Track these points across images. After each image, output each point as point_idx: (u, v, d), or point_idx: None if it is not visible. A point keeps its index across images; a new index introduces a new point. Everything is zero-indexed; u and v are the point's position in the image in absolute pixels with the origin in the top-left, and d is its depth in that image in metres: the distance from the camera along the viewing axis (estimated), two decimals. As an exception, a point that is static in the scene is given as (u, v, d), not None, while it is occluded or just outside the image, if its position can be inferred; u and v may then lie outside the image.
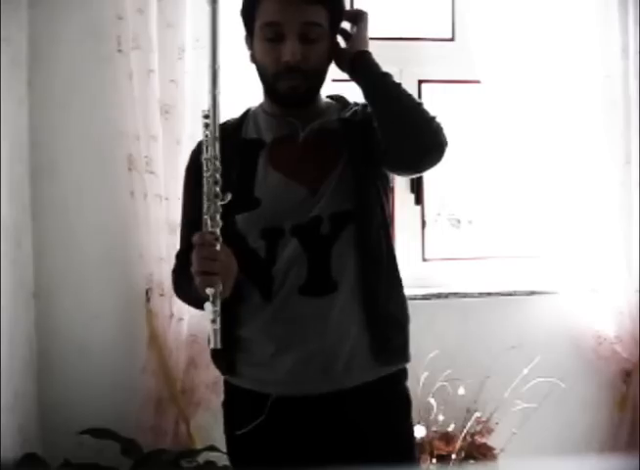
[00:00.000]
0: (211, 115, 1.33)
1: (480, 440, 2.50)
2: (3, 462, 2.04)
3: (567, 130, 2.56)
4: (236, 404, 1.53)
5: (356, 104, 1.56)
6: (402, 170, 1.56)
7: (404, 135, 1.42)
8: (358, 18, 1.52)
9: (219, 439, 2.39)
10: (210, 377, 2.41)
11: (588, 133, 2.58)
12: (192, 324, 2.40)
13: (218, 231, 1.32)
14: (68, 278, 2.42)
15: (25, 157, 2.36)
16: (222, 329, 1.35)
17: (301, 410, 1.44)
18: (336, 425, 1.44)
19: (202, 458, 2.35)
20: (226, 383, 1.55)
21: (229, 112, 1.58)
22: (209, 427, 2.45)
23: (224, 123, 1.50)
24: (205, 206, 1.33)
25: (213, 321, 1.32)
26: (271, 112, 1.52)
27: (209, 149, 1.33)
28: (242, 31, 2.36)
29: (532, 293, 2.67)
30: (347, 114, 1.52)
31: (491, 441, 2.52)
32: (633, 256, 2.61)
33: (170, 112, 2.32)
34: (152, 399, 2.39)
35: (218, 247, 1.32)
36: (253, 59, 1.51)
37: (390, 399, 1.49)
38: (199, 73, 2.33)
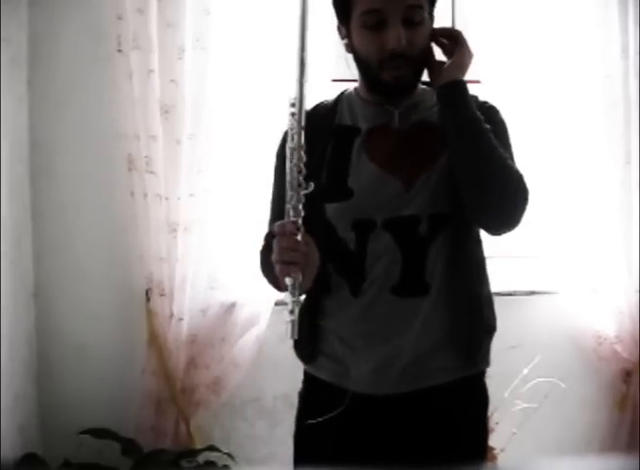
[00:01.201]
0: (297, 103, 1.28)
1: (480, 440, 2.50)
2: (3, 462, 2.04)
3: (567, 130, 2.56)
4: (313, 395, 1.51)
5: (472, 96, 1.48)
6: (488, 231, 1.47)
7: (489, 202, 1.37)
8: (459, 39, 1.43)
9: (219, 439, 2.43)
10: (210, 377, 2.41)
11: (588, 133, 2.58)
12: (192, 324, 2.40)
13: (300, 221, 1.29)
14: (68, 278, 2.42)
15: (25, 157, 2.36)
16: (308, 318, 1.38)
17: (378, 409, 1.43)
18: (411, 425, 1.42)
19: (202, 458, 2.36)
20: (305, 372, 1.53)
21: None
22: (209, 427, 2.46)
23: (316, 107, 1.49)
24: (289, 195, 1.29)
25: (291, 312, 1.30)
26: (368, 99, 1.46)
27: (295, 138, 1.29)
28: (241, 30, 2.36)
29: (532, 293, 2.68)
30: None
31: (491, 441, 2.51)
32: (633, 256, 2.61)
33: (170, 112, 2.32)
34: (152, 399, 2.39)
35: (300, 237, 1.28)
36: (350, 48, 1.42)
37: (470, 399, 1.47)
38: (199, 73, 2.34)
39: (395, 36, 1.34)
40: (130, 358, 2.41)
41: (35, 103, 2.36)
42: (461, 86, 1.40)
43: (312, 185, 1.29)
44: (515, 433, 2.48)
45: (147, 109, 2.31)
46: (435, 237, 1.40)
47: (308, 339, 1.43)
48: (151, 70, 2.30)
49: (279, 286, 1.39)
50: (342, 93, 1.51)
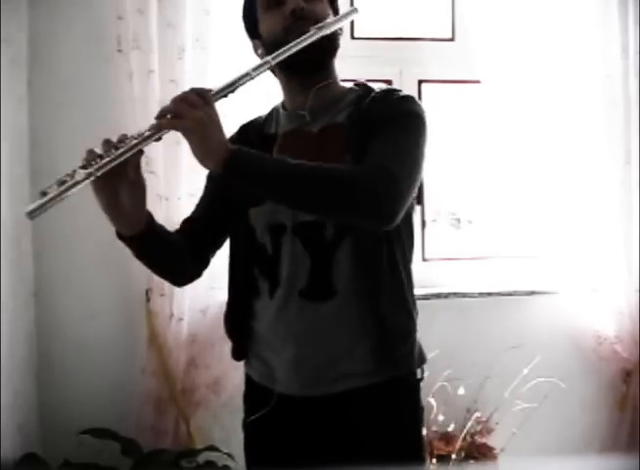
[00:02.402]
0: None
1: (480, 440, 2.50)
2: (3, 462, 2.04)
3: (567, 130, 2.56)
4: (249, 395, 1.55)
5: (383, 91, 1.45)
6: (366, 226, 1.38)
7: (326, 214, 1.34)
8: (177, 130, 1.26)
9: (219, 439, 2.42)
10: (210, 377, 2.41)
11: (588, 133, 2.58)
12: (192, 324, 2.40)
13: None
14: (68, 278, 2.42)
15: (25, 157, 2.36)
16: (238, 318, 1.46)
17: (302, 410, 1.44)
18: (333, 427, 1.42)
19: (202, 458, 2.36)
20: (246, 373, 1.56)
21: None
22: (209, 427, 2.46)
23: (252, 121, 1.55)
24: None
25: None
26: (286, 104, 1.50)
27: None
28: (241, 30, 2.36)
29: (532, 293, 2.67)
30: (364, 105, 1.41)
31: (491, 441, 2.52)
32: (633, 256, 2.61)
33: (170, 112, 2.32)
34: (152, 399, 2.39)
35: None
36: (263, 48, 1.47)
37: (390, 405, 1.43)
38: (199, 73, 2.34)
39: (294, 2, 1.39)
40: (130, 358, 2.41)
41: (35, 103, 2.36)
42: (233, 168, 1.25)
43: None
44: (515, 433, 2.48)
45: (147, 109, 2.30)
46: (341, 241, 1.39)
47: (238, 339, 1.49)
48: (151, 71, 2.30)
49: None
50: (274, 107, 1.55)
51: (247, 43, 2.36)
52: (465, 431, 2.47)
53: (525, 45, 2.50)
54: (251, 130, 1.52)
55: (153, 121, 2.37)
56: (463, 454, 2.47)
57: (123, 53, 2.31)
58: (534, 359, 2.51)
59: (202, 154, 1.25)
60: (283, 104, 1.53)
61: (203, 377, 2.41)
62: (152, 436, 2.38)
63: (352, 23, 2.62)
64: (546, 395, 2.51)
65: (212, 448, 2.35)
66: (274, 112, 1.54)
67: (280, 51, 1.35)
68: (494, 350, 2.54)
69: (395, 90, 1.45)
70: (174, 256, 1.51)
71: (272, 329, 1.45)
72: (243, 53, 2.35)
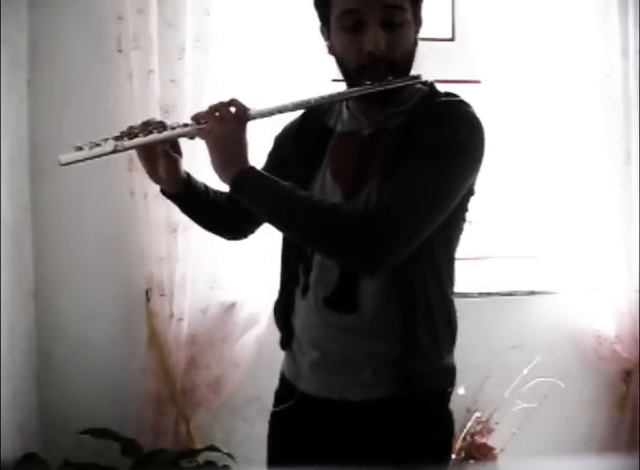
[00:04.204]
0: None
1: (479, 440, 2.50)
2: (3, 462, 2.04)
3: (567, 130, 2.56)
4: (279, 389, 1.55)
5: (441, 104, 1.35)
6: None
7: (315, 248, 1.35)
8: (203, 137, 1.35)
9: (219, 439, 2.42)
10: (210, 377, 2.41)
11: (588, 133, 2.58)
12: (192, 324, 2.40)
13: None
14: (68, 278, 2.42)
15: (25, 157, 2.36)
16: (281, 309, 1.48)
17: (321, 410, 1.43)
18: (349, 431, 1.41)
19: (202, 458, 2.36)
20: (281, 370, 1.56)
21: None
22: (209, 427, 2.46)
23: (318, 107, 1.47)
24: None
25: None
26: (348, 103, 1.43)
27: None
28: (241, 30, 2.36)
29: (532, 293, 2.68)
30: (416, 116, 1.34)
31: (491, 441, 2.52)
32: (633, 256, 2.61)
33: (170, 112, 2.32)
34: (152, 399, 2.39)
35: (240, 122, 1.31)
36: (332, 50, 1.38)
37: (410, 418, 1.39)
38: (199, 73, 2.34)
39: (373, 38, 1.28)
40: (130, 358, 2.41)
41: (35, 103, 2.36)
42: (238, 187, 1.30)
43: None
44: (515, 433, 2.48)
45: (147, 109, 2.30)
46: None
47: (284, 329, 1.49)
48: (151, 70, 2.30)
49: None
50: None
51: (247, 43, 2.38)
52: (465, 431, 2.47)
53: (526, 45, 2.50)
54: (313, 118, 1.47)
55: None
56: (463, 454, 2.47)
57: (123, 53, 2.31)
58: (534, 359, 2.51)
59: (215, 167, 1.33)
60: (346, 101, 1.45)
61: (203, 377, 2.41)
62: (152, 436, 2.38)
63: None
64: (546, 395, 2.51)
65: (212, 448, 2.36)
66: (338, 102, 1.46)
67: (335, 95, 1.35)
68: (494, 350, 2.54)
69: (455, 106, 1.34)
70: (215, 216, 1.57)
71: (301, 329, 1.45)
72: (243, 53, 2.37)
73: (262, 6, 2.36)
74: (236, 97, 1.36)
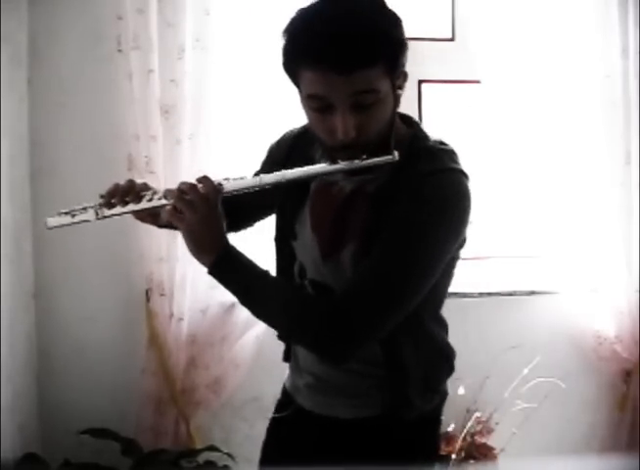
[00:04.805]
0: None
1: (479, 440, 2.50)
2: (3, 462, 2.04)
3: (567, 130, 2.56)
4: (280, 399, 1.58)
5: (423, 175, 1.26)
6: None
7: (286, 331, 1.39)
8: (175, 222, 1.31)
9: (219, 439, 2.42)
10: (210, 377, 2.41)
11: (588, 133, 2.58)
12: (192, 324, 2.40)
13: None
14: (68, 278, 2.42)
15: (25, 157, 2.36)
16: None
17: (316, 424, 1.46)
18: (341, 448, 1.42)
19: (202, 458, 2.36)
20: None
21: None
22: (209, 427, 2.46)
23: (306, 132, 1.39)
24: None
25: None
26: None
27: None
28: (241, 30, 2.35)
29: (532, 293, 2.68)
30: (396, 184, 1.27)
31: (491, 441, 2.52)
32: (633, 256, 2.61)
33: (170, 112, 2.32)
34: (152, 399, 2.39)
35: (213, 203, 1.26)
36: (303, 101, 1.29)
37: (399, 439, 1.40)
38: (199, 73, 2.33)
39: (342, 126, 1.20)
40: (130, 358, 2.41)
41: (35, 102, 2.36)
42: (214, 273, 1.29)
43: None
44: (515, 433, 2.48)
45: (147, 109, 2.31)
46: None
47: (285, 342, 1.52)
48: (151, 70, 2.30)
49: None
50: None
51: (247, 43, 2.37)
52: (465, 431, 2.47)
53: (526, 45, 2.50)
54: (304, 145, 1.39)
55: (152, 121, 2.39)
56: (463, 454, 2.47)
57: (123, 53, 2.31)
58: (534, 359, 2.51)
59: (193, 253, 1.29)
60: None
61: (203, 377, 2.41)
62: (152, 436, 2.38)
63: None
64: (546, 395, 2.51)
65: (212, 448, 2.36)
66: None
67: (307, 174, 1.29)
68: (494, 350, 2.54)
69: (432, 180, 1.26)
70: None
71: (299, 348, 1.48)
72: (243, 53, 2.37)
73: (262, 6, 2.36)
74: (206, 174, 1.30)
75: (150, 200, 1.36)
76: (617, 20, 2.55)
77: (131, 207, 1.41)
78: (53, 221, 1.48)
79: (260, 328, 2.42)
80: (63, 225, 1.47)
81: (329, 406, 1.44)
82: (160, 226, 1.51)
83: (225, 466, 2.34)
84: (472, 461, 2.46)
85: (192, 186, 1.27)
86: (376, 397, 1.40)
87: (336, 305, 1.25)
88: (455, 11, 2.72)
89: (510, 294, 2.67)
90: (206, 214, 1.26)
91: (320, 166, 1.28)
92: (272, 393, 1.59)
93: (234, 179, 1.29)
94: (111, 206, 1.42)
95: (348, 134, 1.20)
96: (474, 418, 2.49)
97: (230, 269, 1.29)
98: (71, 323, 2.42)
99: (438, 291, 1.38)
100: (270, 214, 1.53)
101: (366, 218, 1.29)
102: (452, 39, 2.72)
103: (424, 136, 1.33)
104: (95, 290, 2.43)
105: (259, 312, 1.33)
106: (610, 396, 2.69)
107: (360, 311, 1.23)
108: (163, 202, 1.33)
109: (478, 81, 2.57)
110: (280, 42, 1.24)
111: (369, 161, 1.23)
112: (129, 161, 2.33)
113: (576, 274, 2.62)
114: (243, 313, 2.44)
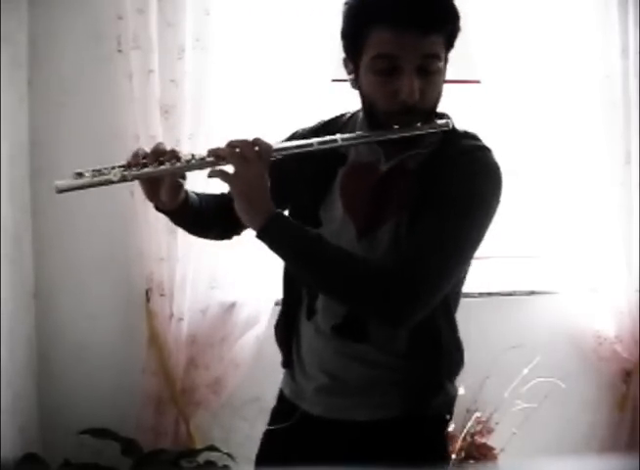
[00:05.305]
0: None
1: (479, 440, 2.50)
2: (3, 462, 2.04)
3: (567, 130, 2.56)
4: (277, 407, 1.54)
5: (462, 154, 1.31)
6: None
7: (346, 303, 1.32)
8: (225, 181, 1.28)
9: (219, 439, 2.42)
10: (210, 377, 2.41)
11: (588, 133, 2.58)
12: (192, 324, 2.40)
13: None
14: (68, 278, 2.42)
15: (25, 156, 2.36)
16: (285, 328, 1.45)
17: (324, 431, 1.42)
18: (352, 452, 1.39)
19: (202, 458, 2.36)
20: (280, 388, 1.55)
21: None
22: (209, 427, 2.46)
23: (336, 120, 1.43)
24: None
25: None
26: (364, 129, 1.35)
27: None
28: (241, 30, 2.36)
29: (532, 293, 2.68)
30: (439, 161, 1.30)
31: (491, 441, 2.52)
32: (633, 256, 2.61)
33: (170, 112, 2.32)
34: (152, 399, 2.39)
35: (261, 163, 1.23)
36: (355, 85, 1.32)
37: (413, 440, 1.40)
38: (199, 73, 2.34)
39: (408, 87, 1.23)
40: (130, 358, 2.41)
41: (35, 103, 2.36)
42: (266, 235, 1.26)
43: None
44: (515, 433, 2.48)
45: (147, 109, 2.31)
46: None
47: (285, 349, 1.47)
48: (151, 70, 2.30)
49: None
50: (355, 113, 1.42)
51: (247, 43, 2.37)
52: (465, 431, 2.47)
53: (526, 45, 2.50)
54: (321, 136, 1.36)
55: (152, 121, 2.39)
56: (463, 454, 2.47)
57: (123, 53, 2.31)
58: (534, 359, 2.51)
59: (244, 212, 1.26)
60: (360, 122, 1.39)
61: (203, 377, 2.41)
62: (152, 436, 2.38)
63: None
64: (546, 395, 2.51)
65: (212, 448, 2.36)
66: (352, 123, 1.41)
67: (362, 136, 1.29)
68: (494, 350, 2.54)
69: (476, 156, 1.32)
70: (204, 224, 1.52)
71: (307, 352, 1.44)
72: (243, 53, 2.37)
73: (262, 6, 2.36)
74: (259, 136, 1.28)
75: (188, 161, 1.29)
76: (617, 20, 2.55)
77: (165, 168, 1.29)
78: (63, 184, 1.32)
79: (260, 328, 2.42)
80: (74, 188, 1.32)
81: (344, 409, 1.40)
82: (159, 209, 1.44)
83: (225, 466, 2.34)
84: (472, 461, 2.46)
85: (246, 142, 1.25)
86: (394, 395, 1.37)
87: (395, 267, 1.24)
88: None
89: (510, 294, 2.67)
90: (260, 173, 1.24)
91: (379, 132, 1.29)
92: (272, 393, 1.58)
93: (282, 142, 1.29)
94: (142, 166, 1.30)
95: (413, 96, 1.23)
96: (474, 418, 2.49)
97: (284, 230, 1.26)
98: (71, 323, 2.42)
99: (463, 277, 1.43)
100: None
101: (409, 194, 1.29)
102: (452, 39, 2.72)
103: (459, 130, 1.39)
104: (95, 290, 2.43)
105: (314, 276, 1.28)
106: (610, 396, 2.69)
107: (423, 274, 1.23)
108: (205, 165, 1.27)
109: (478, 81, 2.57)
110: (342, 7, 1.28)
111: (426, 126, 1.28)
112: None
113: (576, 274, 2.62)
114: (243, 313, 2.44)
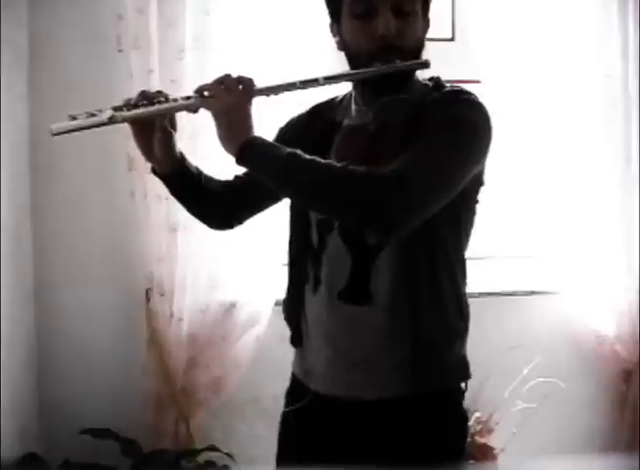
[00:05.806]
0: None
1: (479, 440, 2.50)
2: (3, 462, 2.04)
3: (566, 130, 2.56)
4: (290, 389, 1.52)
5: (446, 92, 1.39)
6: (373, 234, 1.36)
7: (333, 213, 1.32)
8: (208, 108, 1.37)
9: (219, 439, 2.42)
10: (210, 377, 2.41)
11: (588, 133, 2.58)
12: (192, 324, 2.40)
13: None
14: (68, 278, 2.42)
15: (25, 156, 2.36)
16: (292, 305, 1.46)
17: (333, 410, 1.41)
18: (362, 432, 1.39)
19: (202, 458, 2.36)
20: (292, 371, 1.54)
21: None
22: (209, 427, 2.46)
23: (328, 102, 1.50)
24: None
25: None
26: (356, 95, 1.42)
27: None
28: (241, 30, 2.36)
29: (532, 293, 2.68)
30: (423, 106, 1.35)
31: (491, 441, 2.51)
32: (633, 256, 2.61)
33: (170, 112, 2.32)
34: (152, 398, 2.39)
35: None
36: (341, 45, 1.39)
37: (422, 418, 1.38)
38: (199, 73, 2.33)
39: (384, 23, 1.31)
40: (130, 358, 2.41)
41: (36, 103, 2.36)
42: (246, 155, 1.28)
43: None
44: (515, 433, 2.48)
45: (147, 109, 2.30)
46: (384, 248, 1.35)
47: (294, 326, 1.47)
48: (151, 70, 2.30)
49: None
50: (346, 94, 1.48)
51: (247, 43, 2.37)
52: (465, 431, 2.47)
53: (525, 45, 2.50)
54: (320, 113, 1.48)
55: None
56: (463, 454, 2.46)
57: (123, 53, 2.31)
58: (534, 359, 2.51)
59: (223, 137, 1.31)
60: (352, 91, 1.46)
61: (203, 377, 2.41)
62: (152, 436, 2.38)
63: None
64: (546, 395, 2.51)
65: (212, 448, 2.36)
66: (348, 97, 1.47)
67: (343, 75, 1.37)
68: (494, 350, 2.54)
69: (461, 92, 1.39)
70: (205, 199, 1.54)
71: (313, 324, 1.43)
72: (243, 53, 2.37)
73: (262, 6, 2.36)
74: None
75: (175, 100, 1.39)
76: (617, 20, 2.55)
77: (155, 108, 1.37)
78: (58, 127, 1.36)
79: (260, 328, 2.42)
80: (69, 131, 1.36)
81: (352, 386, 1.38)
82: (156, 173, 1.49)
83: (225, 466, 2.34)
84: (472, 461, 2.46)
85: (230, 77, 1.34)
86: (402, 371, 1.36)
87: (383, 173, 1.24)
88: (455, 11, 2.72)
89: (510, 294, 2.67)
90: (242, 101, 1.32)
91: (356, 71, 1.36)
92: (272, 393, 1.58)
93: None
94: (131, 107, 1.36)
95: (390, 30, 1.31)
96: (474, 418, 2.48)
97: (263, 148, 1.29)
98: (71, 323, 2.42)
99: (462, 227, 1.44)
100: (275, 203, 1.54)
101: (401, 144, 1.31)
102: (452, 39, 2.72)
103: (445, 84, 1.44)
104: (95, 290, 2.43)
105: (299, 188, 1.28)
106: (610, 396, 2.69)
107: (414, 179, 1.23)
108: (191, 101, 1.36)
109: (478, 81, 2.57)
110: None
111: (406, 63, 1.35)
112: (129, 160, 2.33)
113: (576, 274, 2.62)
114: (243, 313, 2.44)
